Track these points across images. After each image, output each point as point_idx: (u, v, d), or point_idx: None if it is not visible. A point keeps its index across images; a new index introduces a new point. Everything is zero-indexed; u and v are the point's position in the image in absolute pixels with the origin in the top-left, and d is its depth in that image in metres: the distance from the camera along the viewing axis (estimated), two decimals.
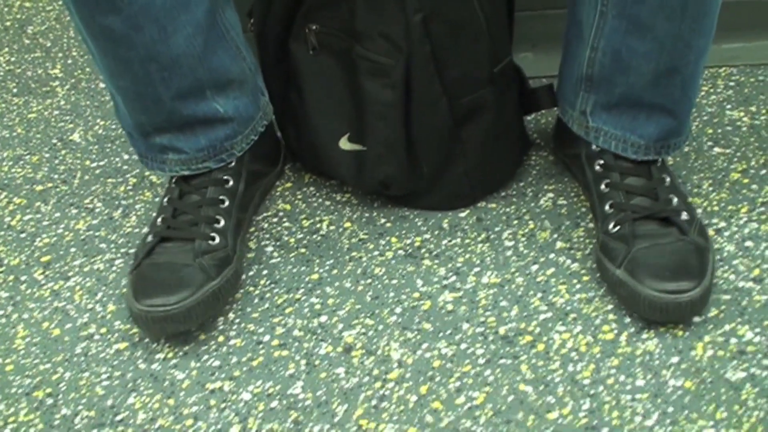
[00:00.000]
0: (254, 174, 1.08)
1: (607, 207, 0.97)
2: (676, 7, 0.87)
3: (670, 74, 0.92)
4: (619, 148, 0.98)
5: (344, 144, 1.07)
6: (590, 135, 1.00)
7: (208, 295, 0.94)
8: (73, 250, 1.10)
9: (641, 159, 0.98)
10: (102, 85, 1.43)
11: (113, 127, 1.32)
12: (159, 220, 1.01)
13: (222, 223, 1.00)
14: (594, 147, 1.01)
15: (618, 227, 0.95)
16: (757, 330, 0.91)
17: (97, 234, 1.12)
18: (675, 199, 0.95)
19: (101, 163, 1.25)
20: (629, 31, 0.90)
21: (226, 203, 1.02)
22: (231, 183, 1.03)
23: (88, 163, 1.25)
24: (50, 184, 1.22)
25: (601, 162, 1.00)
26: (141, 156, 1.04)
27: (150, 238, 0.99)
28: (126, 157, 1.25)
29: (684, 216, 0.94)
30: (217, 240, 0.98)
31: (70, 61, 1.51)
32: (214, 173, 1.03)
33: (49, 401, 0.92)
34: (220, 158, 1.02)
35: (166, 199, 1.03)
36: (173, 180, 1.04)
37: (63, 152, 1.28)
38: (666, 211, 0.94)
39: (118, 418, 0.89)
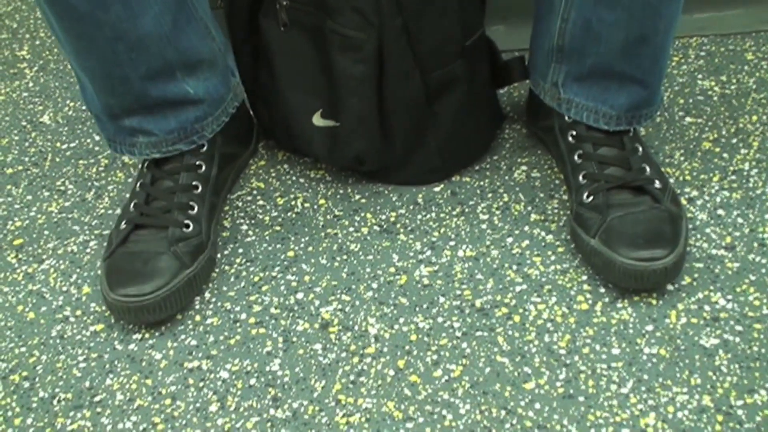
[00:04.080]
0: (227, 157, 1.08)
1: (580, 178, 0.98)
2: None
3: (640, 43, 0.92)
4: (591, 119, 0.99)
5: (317, 120, 1.06)
6: (562, 107, 1.01)
7: (183, 283, 0.94)
8: (46, 232, 1.09)
9: (613, 129, 0.98)
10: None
11: (83, 108, 1.31)
12: (132, 205, 1.00)
13: (196, 209, 1.00)
14: (566, 118, 1.01)
15: (592, 197, 0.95)
16: (730, 297, 0.92)
17: (69, 216, 1.11)
18: (648, 168, 0.96)
19: (72, 145, 1.24)
20: (599, 1, 0.90)
21: (200, 189, 1.01)
22: (204, 168, 1.03)
23: (58, 144, 1.24)
24: (21, 167, 1.21)
25: (574, 133, 1.00)
26: (109, 140, 1.03)
27: (123, 224, 0.98)
28: (97, 138, 1.24)
29: (657, 184, 0.95)
30: (191, 227, 0.98)
31: (38, 43, 1.49)
32: (186, 158, 1.02)
33: (26, 384, 0.91)
34: (191, 140, 1.01)
35: (138, 184, 1.02)
36: (145, 164, 1.03)
37: (33, 134, 1.27)
38: (639, 180, 0.95)
39: (96, 399, 0.89)
